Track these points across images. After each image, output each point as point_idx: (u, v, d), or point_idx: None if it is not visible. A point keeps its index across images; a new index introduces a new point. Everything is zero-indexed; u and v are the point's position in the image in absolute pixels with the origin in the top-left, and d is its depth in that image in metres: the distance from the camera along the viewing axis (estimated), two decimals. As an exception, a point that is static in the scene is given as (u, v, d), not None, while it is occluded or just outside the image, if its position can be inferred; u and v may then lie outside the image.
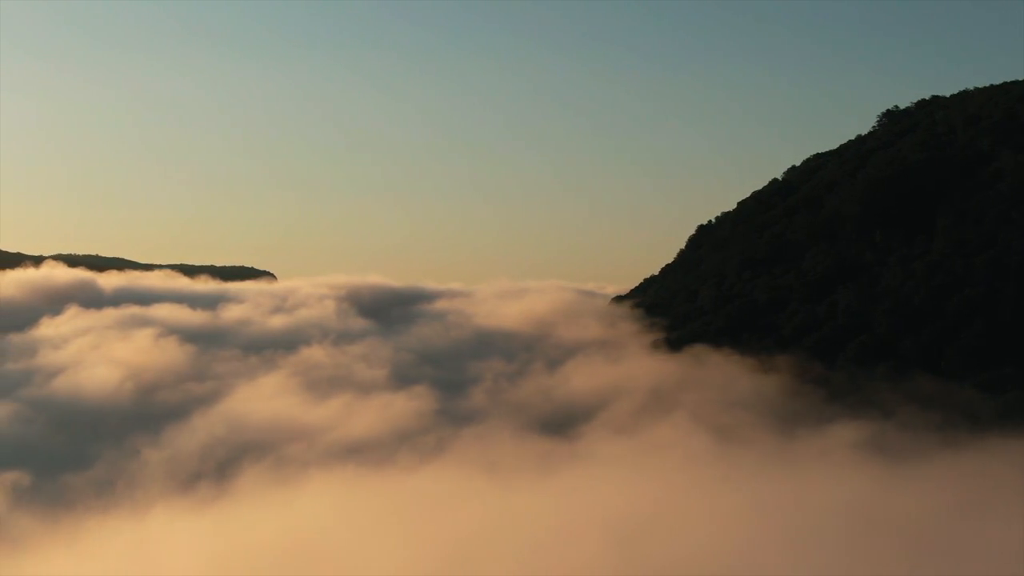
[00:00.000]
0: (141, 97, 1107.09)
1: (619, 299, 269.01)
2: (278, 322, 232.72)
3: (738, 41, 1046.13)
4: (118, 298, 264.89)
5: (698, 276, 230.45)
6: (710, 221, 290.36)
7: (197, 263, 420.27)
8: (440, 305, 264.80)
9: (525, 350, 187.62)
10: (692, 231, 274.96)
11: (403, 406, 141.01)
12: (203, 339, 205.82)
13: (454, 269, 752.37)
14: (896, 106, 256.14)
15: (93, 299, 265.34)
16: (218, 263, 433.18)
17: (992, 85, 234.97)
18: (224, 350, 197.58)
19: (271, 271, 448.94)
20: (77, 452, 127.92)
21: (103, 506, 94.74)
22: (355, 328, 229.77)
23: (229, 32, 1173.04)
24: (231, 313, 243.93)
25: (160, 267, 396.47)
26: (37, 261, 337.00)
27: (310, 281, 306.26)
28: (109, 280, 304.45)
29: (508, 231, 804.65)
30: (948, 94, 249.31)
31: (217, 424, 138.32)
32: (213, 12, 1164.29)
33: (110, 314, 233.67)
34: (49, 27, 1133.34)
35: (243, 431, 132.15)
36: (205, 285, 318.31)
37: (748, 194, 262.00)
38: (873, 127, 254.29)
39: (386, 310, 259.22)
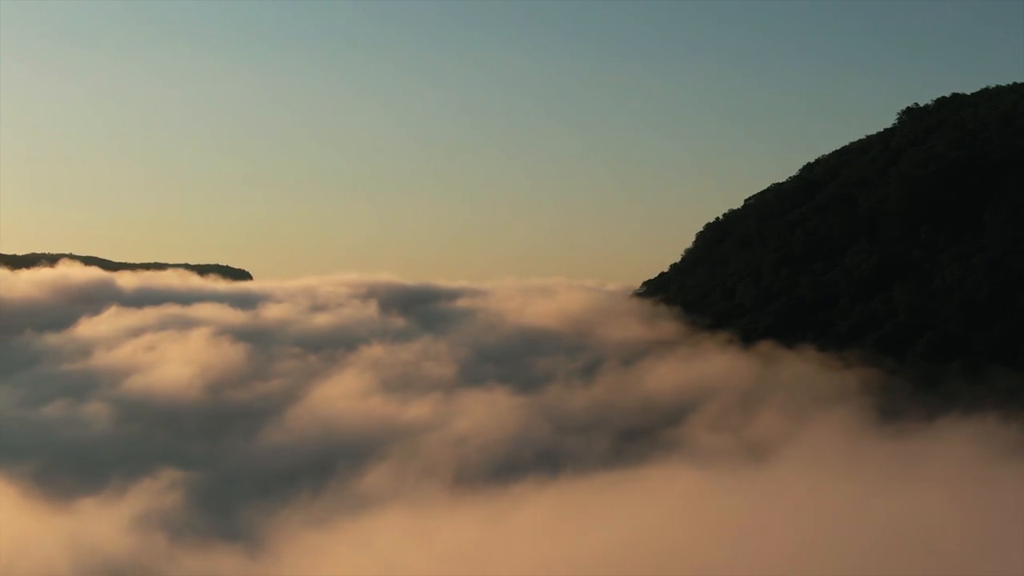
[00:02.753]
0: (110, 96, 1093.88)
1: (640, 296, 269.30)
2: (323, 320, 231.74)
3: (725, 43, 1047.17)
4: (146, 297, 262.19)
5: (731, 273, 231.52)
6: (718, 218, 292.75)
7: (170, 261, 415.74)
8: (463, 303, 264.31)
9: (579, 349, 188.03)
10: (681, 228, 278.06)
11: (507, 403, 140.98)
12: (257, 338, 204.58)
13: (448, 266, 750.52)
14: (916, 103, 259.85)
15: (117, 298, 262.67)
16: (191, 261, 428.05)
17: (1016, 83, 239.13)
18: (282, 348, 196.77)
19: (245, 269, 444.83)
20: (192, 450, 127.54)
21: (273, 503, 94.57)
22: (399, 326, 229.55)
23: (223, 31, 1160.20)
24: (272, 312, 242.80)
25: (133, 266, 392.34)
26: (53, 260, 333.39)
27: (325, 279, 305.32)
28: (125, 280, 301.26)
29: (498, 228, 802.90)
30: (968, 92, 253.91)
31: (313, 424, 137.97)
32: (214, 13, 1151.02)
33: (151, 313, 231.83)
34: (37, 28, 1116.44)
35: (345, 430, 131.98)
36: (227, 285, 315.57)
37: (743, 193, 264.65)
38: (894, 124, 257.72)
39: (411, 308, 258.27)
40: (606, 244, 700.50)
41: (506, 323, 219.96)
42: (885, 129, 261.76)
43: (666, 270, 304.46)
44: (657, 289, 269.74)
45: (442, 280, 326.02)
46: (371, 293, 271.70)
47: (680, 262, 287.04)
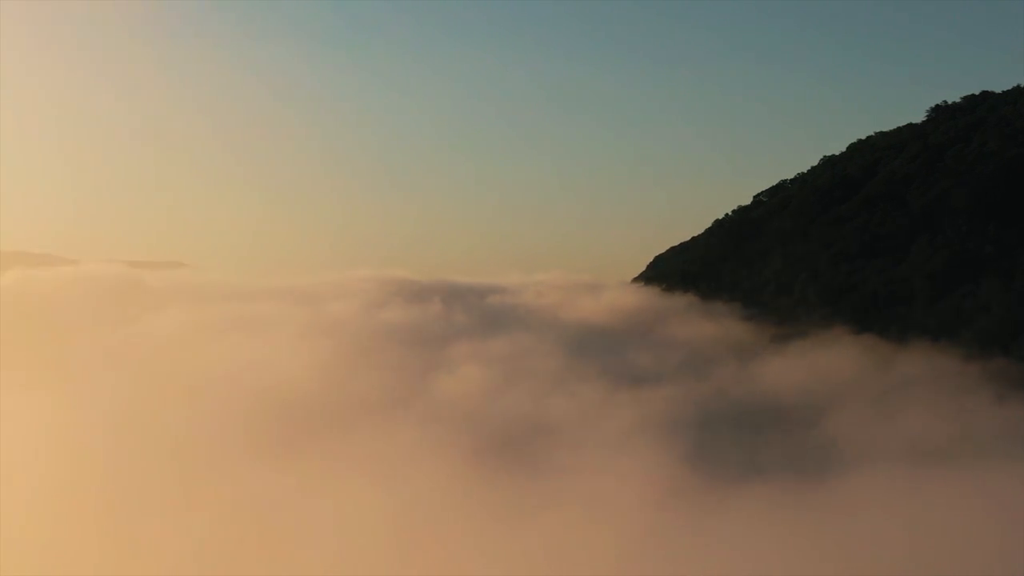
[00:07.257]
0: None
1: (668, 290, 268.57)
2: (392, 316, 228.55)
3: (717, 43, 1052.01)
4: (186, 294, 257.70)
5: (779, 269, 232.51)
6: (727, 214, 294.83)
7: (125, 259, 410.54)
8: (494, 299, 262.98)
9: (666, 345, 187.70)
10: (665, 223, 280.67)
11: (650, 397, 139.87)
12: (339, 333, 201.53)
13: (447, 262, 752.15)
14: (945, 101, 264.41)
15: (148, 295, 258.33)
16: (142, 258, 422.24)
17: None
18: (372, 343, 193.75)
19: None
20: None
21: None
22: (463, 322, 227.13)
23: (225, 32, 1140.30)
24: (334, 308, 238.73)
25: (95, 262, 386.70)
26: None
27: (345, 275, 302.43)
28: (157, 277, 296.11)
29: (489, 224, 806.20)
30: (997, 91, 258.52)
31: (461, 419, 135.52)
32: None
33: (213, 311, 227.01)
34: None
35: (501, 426, 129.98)
36: (266, 281, 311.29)
37: (729, 190, 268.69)
38: (923, 120, 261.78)
39: (468, 304, 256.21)
40: (597, 239, 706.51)
41: (569, 319, 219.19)
42: (912, 124, 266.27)
43: (644, 266, 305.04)
44: (690, 283, 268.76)
45: (455, 276, 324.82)
46: (401, 289, 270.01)
47: (695, 257, 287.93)
